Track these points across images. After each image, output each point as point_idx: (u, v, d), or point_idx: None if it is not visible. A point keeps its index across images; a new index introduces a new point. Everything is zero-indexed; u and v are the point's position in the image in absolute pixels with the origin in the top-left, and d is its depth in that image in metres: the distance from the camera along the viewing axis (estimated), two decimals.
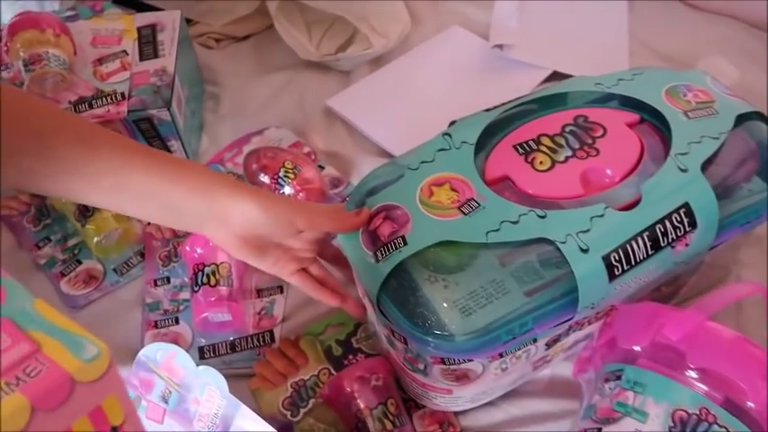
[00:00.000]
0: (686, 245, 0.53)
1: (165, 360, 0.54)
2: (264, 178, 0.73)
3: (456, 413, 0.61)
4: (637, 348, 0.51)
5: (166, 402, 0.54)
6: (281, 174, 0.72)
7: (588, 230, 0.51)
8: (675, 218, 0.52)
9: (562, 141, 0.57)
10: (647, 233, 0.51)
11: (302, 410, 0.61)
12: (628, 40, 0.92)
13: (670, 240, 0.52)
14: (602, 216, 0.51)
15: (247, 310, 0.68)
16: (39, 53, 0.69)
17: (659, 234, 0.52)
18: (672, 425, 0.46)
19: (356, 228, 0.54)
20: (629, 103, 0.61)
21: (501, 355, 0.52)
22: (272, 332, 0.67)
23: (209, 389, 0.52)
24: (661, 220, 0.52)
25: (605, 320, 0.55)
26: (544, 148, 0.57)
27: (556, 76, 0.86)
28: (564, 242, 0.50)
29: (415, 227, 0.52)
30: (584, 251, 0.50)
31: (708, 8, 0.98)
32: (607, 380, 0.52)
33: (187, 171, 0.52)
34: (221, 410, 0.52)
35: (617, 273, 0.50)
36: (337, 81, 0.89)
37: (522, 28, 0.90)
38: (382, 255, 0.51)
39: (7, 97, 0.47)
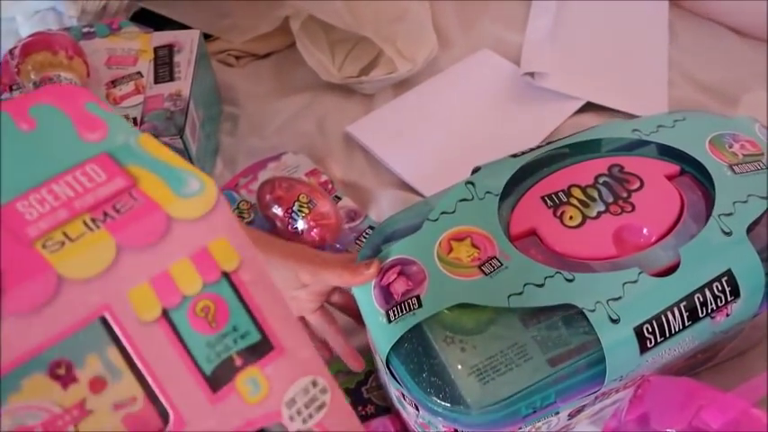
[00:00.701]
0: (727, 315, 0.49)
1: None
2: (278, 210, 0.70)
3: None
4: (671, 431, 0.46)
5: None
6: (295, 208, 0.69)
7: (620, 298, 0.47)
8: (717, 287, 0.48)
9: (595, 194, 0.53)
10: (684, 303, 0.47)
11: None
12: (667, 71, 0.87)
13: (709, 311, 0.48)
14: (635, 282, 0.47)
15: None
16: (50, 76, 0.67)
17: (698, 304, 0.47)
18: None
19: (364, 282, 0.50)
20: (669, 152, 0.57)
21: (520, 428, 0.48)
22: None
23: None
24: (700, 289, 0.48)
25: (636, 393, 0.51)
26: (575, 201, 0.53)
27: (590, 107, 0.82)
28: (593, 310, 0.46)
29: (431, 287, 0.48)
30: (615, 321, 0.46)
31: (754, 34, 0.92)
32: None
33: None
34: None
35: (649, 345, 0.46)
36: (360, 105, 0.85)
37: (555, 54, 0.86)
38: (395, 315, 0.48)
39: None
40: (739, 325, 0.51)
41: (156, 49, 0.75)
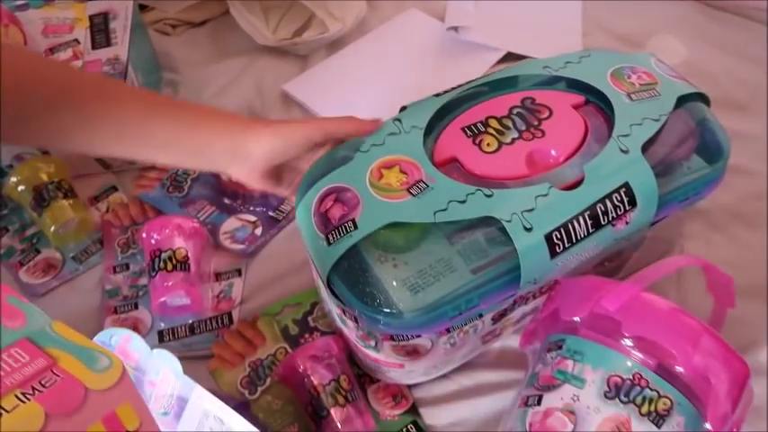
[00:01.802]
0: (626, 222, 0.55)
1: (120, 344, 0.55)
2: None
3: (409, 386, 0.62)
4: (577, 319, 0.53)
5: None
6: None
7: (532, 209, 0.52)
8: (616, 197, 0.54)
9: (509, 123, 0.58)
10: (588, 212, 0.53)
11: (260, 389, 0.62)
12: (581, 21, 0.93)
13: (610, 219, 0.54)
14: (546, 195, 0.53)
15: (206, 293, 0.69)
16: None
17: (600, 213, 0.53)
18: (607, 390, 0.48)
19: (371, 131, 0.56)
20: (575, 85, 0.62)
21: (448, 330, 0.53)
22: (230, 314, 0.68)
23: (163, 371, 0.54)
24: (602, 200, 0.53)
25: (549, 294, 0.57)
26: (492, 130, 0.58)
27: (510, 57, 0.88)
28: (509, 221, 0.51)
29: (365, 210, 0.52)
30: (528, 230, 0.51)
31: None
32: (549, 349, 0.54)
33: (208, 117, 0.55)
34: (176, 391, 0.53)
35: (558, 250, 0.52)
36: (295, 66, 0.89)
37: (477, 10, 0.92)
38: (333, 238, 0.52)
39: (30, 60, 0.49)
40: (638, 233, 0.58)
41: (91, 17, 0.77)
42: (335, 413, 0.57)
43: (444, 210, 0.52)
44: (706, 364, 0.48)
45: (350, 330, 0.57)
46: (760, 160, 0.78)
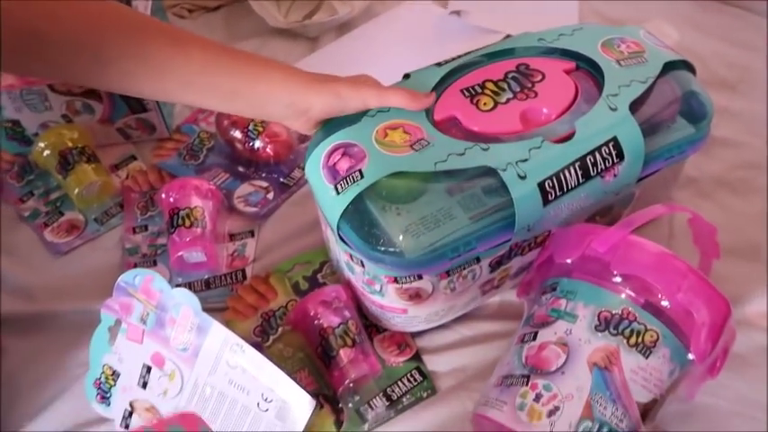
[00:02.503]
0: (615, 175, 0.59)
1: (143, 284, 0.59)
2: (236, 132, 0.78)
3: (413, 335, 0.66)
4: (569, 261, 0.56)
5: (145, 323, 0.59)
6: (250, 128, 0.77)
7: (526, 160, 0.56)
8: (605, 150, 0.58)
9: (505, 86, 0.63)
10: (578, 163, 0.57)
11: (272, 337, 0.66)
12: (578, 7, 0.98)
13: (599, 170, 0.58)
14: (539, 148, 0.57)
15: (221, 252, 0.73)
16: None
17: (589, 164, 0.57)
18: (597, 323, 0.52)
19: (426, 106, 0.59)
20: (567, 54, 0.67)
21: (448, 274, 0.57)
22: (243, 271, 0.72)
23: (183, 308, 0.58)
24: (591, 152, 0.58)
25: (544, 245, 0.61)
26: (488, 92, 0.62)
27: None
28: (504, 170, 0.55)
29: (371, 162, 0.56)
30: (522, 178, 0.55)
31: None
32: (544, 292, 0.58)
33: (270, 70, 0.57)
34: (195, 327, 0.57)
35: (550, 198, 0.56)
36: (305, 47, 0.94)
37: None
38: (341, 187, 0.56)
39: (110, 8, 0.52)
40: (627, 187, 0.62)
41: None
42: (344, 353, 0.61)
43: (444, 161, 0.56)
44: (690, 300, 0.51)
45: (357, 277, 0.60)
46: (745, 134, 0.82)
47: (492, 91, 0.63)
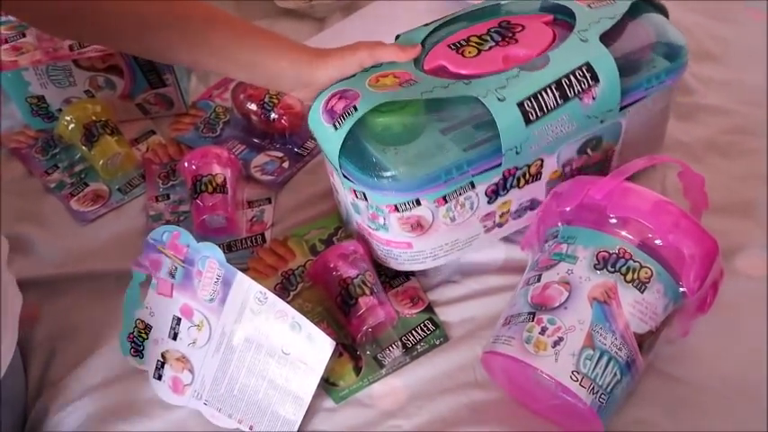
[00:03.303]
0: (593, 98, 0.63)
1: (170, 240, 0.63)
2: (252, 105, 0.83)
3: (425, 290, 0.70)
4: (568, 209, 0.61)
5: (173, 277, 0.63)
6: (266, 100, 0.82)
7: (504, 87, 0.61)
8: (578, 73, 0.63)
9: (488, 38, 0.68)
10: (554, 85, 0.62)
11: (292, 293, 0.70)
12: None
13: (576, 92, 0.62)
14: (516, 76, 0.62)
15: (240, 217, 0.77)
16: None
17: (565, 86, 0.62)
18: (596, 263, 0.57)
19: (414, 55, 0.67)
20: (546, 9, 0.72)
21: (445, 200, 0.62)
22: (263, 235, 0.76)
23: (209, 261, 0.62)
24: (566, 75, 0.63)
25: (546, 199, 0.65)
26: (473, 43, 0.68)
27: None
28: (485, 96, 0.61)
29: (363, 98, 0.62)
30: (502, 100, 0.60)
31: None
32: (547, 240, 0.62)
33: (280, 48, 0.66)
34: (221, 278, 0.61)
35: (532, 118, 0.61)
36: (312, 27, 0.98)
37: None
38: (339, 123, 0.62)
39: None
40: (610, 114, 0.65)
41: None
42: (362, 301, 0.65)
43: (430, 91, 0.62)
44: (680, 239, 0.56)
45: (362, 216, 0.65)
46: (732, 101, 0.86)
47: (476, 42, 0.68)
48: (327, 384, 0.63)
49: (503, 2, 0.74)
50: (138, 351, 0.65)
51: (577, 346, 0.54)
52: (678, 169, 0.65)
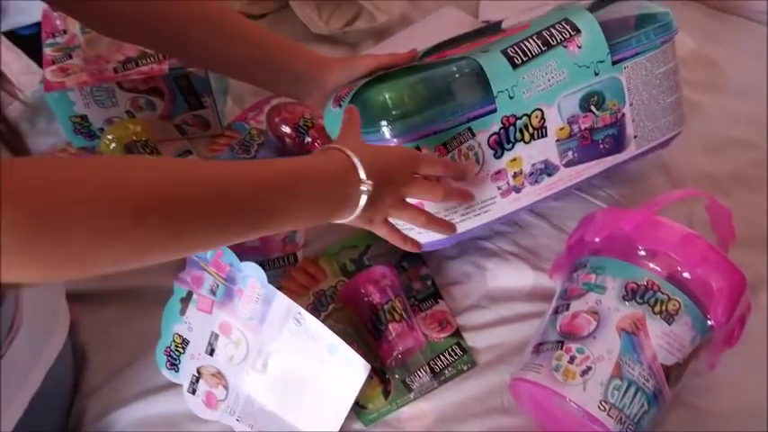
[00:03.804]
0: (578, 47, 0.67)
1: (214, 258, 0.65)
2: (286, 128, 0.85)
3: (453, 314, 0.72)
4: (598, 240, 0.62)
5: (214, 294, 0.65)
6: (300, 123, 0.84)
7: (489, 44, 0.68)
8: (558, 26, 0.68)
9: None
10: (536, 36, 0.67)
11: (323, 314, 0.72)
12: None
13: (558, 40, 0.66)
14: (500, 39, 0.68)
15: (274, 237, 0.79)
16: None
17: (548, 36, 0.67)
18: (624, 293, 0.58)
19: (411, 57, 0.73)
20: None
21: (447, 149, 0.65)
22: (295, 255, 0.78)
23: (251, 280, 0.64)
24: (547, 29, 0.67)
25: (573, 230, 0.67)
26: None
27: None
28: (472, 53, 0.66)
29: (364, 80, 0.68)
30: (486, 51, 0.66)
31: None
32: (575, 270, 0.64)
33: (296, 57, 0.71)
34: (261, 297, 0.63)
35: (517, 62, 0.65)
36: (345, 52, 1.01)
37: (507, 6, 1.03)
38: (343, 101, 0.67)
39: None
40: (602, 65, 0.67)
41: None
42: (392, 327, 0.67)
43: (421, 59, 0.70)
44: (709, 272, 0.57)
45: None
46: (758, 134, 0.88)
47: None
48: (357, 407, 0.65)
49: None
50: (173, 365, 0.67)
51: (606, 376, 0.55)
52: (705, 202, 0.66)
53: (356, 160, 0.55)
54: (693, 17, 1.06)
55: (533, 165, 0.69)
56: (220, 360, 0.66)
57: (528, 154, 0.68)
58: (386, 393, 0.67)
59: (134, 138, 0.84)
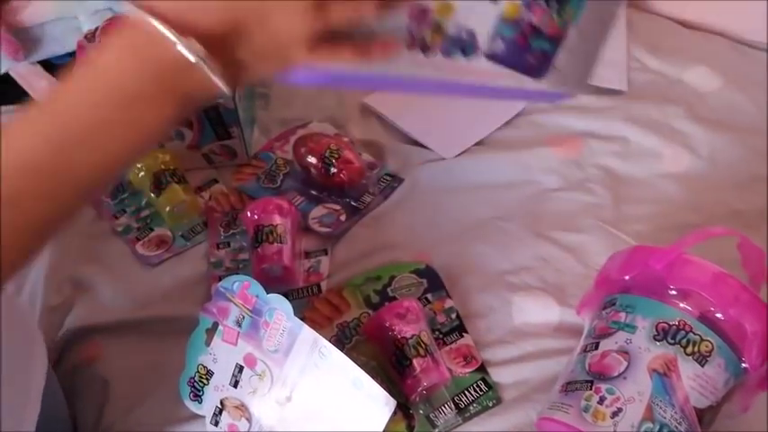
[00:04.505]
0: None
1: (240, 290, 0.65)
2: (312, 159, 0.86)
3: (478, 348, 0.71)
4: (627, 278, 0.62)
5: (240, 326, 0.65)
6: (326, 155, 0.85)
7: None
8: None
9: None
10: None
11: (346, 346, 0.72)
12: (626, 56, 1.04)
13: None
14: None
15: (298, 267, 0.79)
16: None
17: None
18: (656, 333, 0.57)
19: None
20: None
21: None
22: (319, 285, 0.78)
23: (277, 312, 0.64)
24: None
25: (602, 268, 0.66)
26: None
27: None
28: None
29: None
30: None
31: (699, 26, 1.11)
32: (605, 308, 0.63)
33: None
34: (287, 330, 0.63)
35: None
36: None
37: None
38: None
39: None
40: None
41: None
42: (417, 362, 0.66)
43: None
44: (742, 313, 0.56)
45: None
46: None
47: None
48: None
49: None
50: (197, 396, 0.67)
51: (637, 418, 0.54)
52: (736, 240, 0.65)
53: (155, 22, 0.38)
54: (719, 51, 1.06)
55: (459, 28, 0.54)
56: (244, 392, 0.65)
57: (465, 6, 0.53)
58: (410, 429, 0.66)
59: (162, 166, 0.85)
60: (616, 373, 0.56)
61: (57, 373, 0.67)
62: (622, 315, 0.60)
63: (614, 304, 0.62)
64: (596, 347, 0.59)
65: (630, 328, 0.58)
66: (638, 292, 0.61)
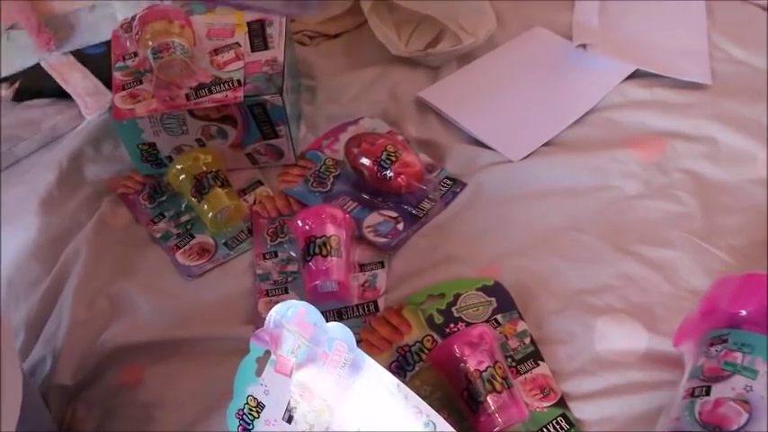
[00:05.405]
0: None
1: (296, 317, 0.58)
2: (366, 161, 0.78)
3: (557, 380, 0.63)
4: (743, 313, 0.53)
5: (295, 356, 0.58)
6: (383, 157, 0.77)
7: None
8: None
9: None
10: None
11: (409, 374, 0.65)
12: (707, 42, 0.94)
13: None
14: None
15: (352, 282, 0.72)
16: (166, 42, 0.75)
17: None
18: None
19: None
20: None
21: None
22: (376, 302, 0.71)
23: (336, 343, 0.57)
24: None
25: (705, 294, 0.58)
26: None
27: (638, 74, 0.90)
28: None
29: None
30: None
31: None
32: (713, 344, 0.55)
33: None
34: (348, 363, 0.56)
35: None
36: (426, 76, 0.93)
37: (603, 28, 0.94)
38: None
39: None
40: None
41: (249, 24, 0.83)
42: (492, 399, 0.59)
43: None
44: None
45: None
46: None
47: None
48: None
49: None
50: (246, 429, 0.61)
51: None
52: None
53: None
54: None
55: None
56: (299, 428, 0.59)
57: None
58: None
59: (204, 168, 0.78)
60: (735, 427, 0.49)
61: (90, 391, 0.63)
62: (738, 355, 0.52)
63: (726, 341, 0.54)
64: (707, 392, 0.51)
65: (750, 372, 0.50)
66: (754, 329, 0.53)
